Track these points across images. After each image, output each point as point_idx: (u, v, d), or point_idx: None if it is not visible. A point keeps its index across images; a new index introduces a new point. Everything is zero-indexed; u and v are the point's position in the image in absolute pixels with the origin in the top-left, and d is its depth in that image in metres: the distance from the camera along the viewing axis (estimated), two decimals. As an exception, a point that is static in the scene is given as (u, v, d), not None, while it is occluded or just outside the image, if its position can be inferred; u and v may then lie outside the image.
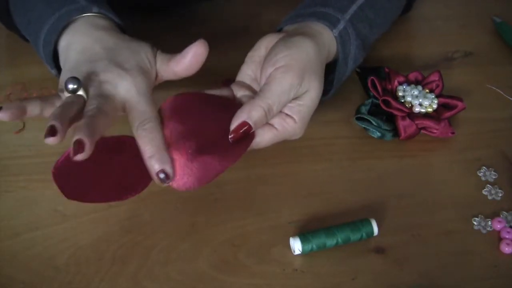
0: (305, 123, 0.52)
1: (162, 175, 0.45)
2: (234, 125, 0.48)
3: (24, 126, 0.61)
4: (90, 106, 0.44)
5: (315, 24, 0.54)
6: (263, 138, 0.50)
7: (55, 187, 0.47)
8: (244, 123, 0.48)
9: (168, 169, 0.45)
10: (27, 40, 0.63)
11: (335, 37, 0.55)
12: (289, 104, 0.51)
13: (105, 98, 0.46)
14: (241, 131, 0.48)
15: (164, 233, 0.52)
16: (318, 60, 0.52)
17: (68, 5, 0.53)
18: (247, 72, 0.54)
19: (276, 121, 0.51)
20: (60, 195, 0.46)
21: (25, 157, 0.58)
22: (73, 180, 0.47)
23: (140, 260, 0.50)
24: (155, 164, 0.45)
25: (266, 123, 0.50)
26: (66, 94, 0.46)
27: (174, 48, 0.71)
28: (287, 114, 0.51)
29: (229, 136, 0.48)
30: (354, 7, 0.57)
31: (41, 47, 0.54)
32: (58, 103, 0.46)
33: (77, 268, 0.49)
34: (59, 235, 0.52)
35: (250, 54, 0.55)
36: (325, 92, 0.59)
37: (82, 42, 0.51)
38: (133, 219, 0.53)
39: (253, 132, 0.50)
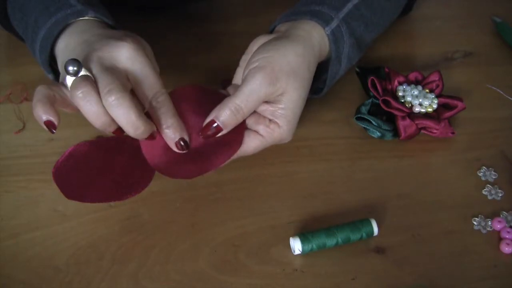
0: (291, 127, 0.52)
1: (182, 143, 0.48)
2: (204, 123, 0.49)
3: (24, 126, 0.61)
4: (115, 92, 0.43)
5: (307, 22, 0.54)
6: (249, 145, 0.51)
7: (55, 187, 0.47)
8: (212, 122, 0.49)
9: (186, 137, 0.48)
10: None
11: (327, 35, 0.55)
12: (270, 109, 0.51)
13: (111, 71, 0.45)
14: (210, 131, 0.49)
15: (164, 233, 0.52)
16: (302, 63, 0.51)
17: (64, 9, 0.53)
18: (242, 76, 0.55)
19: (261, 128, 0.51)
20: (60, 195, 0.46)
21: (25, 157, 0.58)
22: (73, 180, 0.47)
23: (140, 260, 0.50)
24: (174, 133, 0.47)
25: (253, 130, 0.51)
26: (69, 79, 0.45)
27: (174, 48, 0.71)
28: (270, 120, 0.51)
29: (200, 134, 0.49)
30: (349, 6, 0.57)
31: (38, 53, 0.54)
32: (66, 92, 0.46)
33: (77, 268, 0.49)
34: (59, 235, 0.52)
35: (243, 57, 0.55)
36: (319, 90, 0.59)
37: (78, 40, 0.50)
38: (133, 219, 0.53)
39: (240, 138, 0.50)
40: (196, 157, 0.49)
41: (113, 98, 0.43)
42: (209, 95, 0.53)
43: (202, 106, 0.51)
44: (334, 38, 0.55)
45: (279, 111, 0.51)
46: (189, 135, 0.49)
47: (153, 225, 0.53)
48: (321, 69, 0.57)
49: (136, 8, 0.75)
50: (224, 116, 0.48)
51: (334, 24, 0.55)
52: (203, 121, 0.50)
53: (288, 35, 0.53)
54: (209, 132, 0.49)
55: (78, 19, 0.52)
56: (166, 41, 0.72)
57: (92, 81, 0.44)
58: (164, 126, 0.47)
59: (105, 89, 0.43)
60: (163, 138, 0.48)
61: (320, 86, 0.59)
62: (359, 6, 0.58)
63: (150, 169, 0.49)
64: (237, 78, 0.55)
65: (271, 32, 0.58)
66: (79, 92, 0.43)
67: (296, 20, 0.55)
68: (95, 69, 0.45)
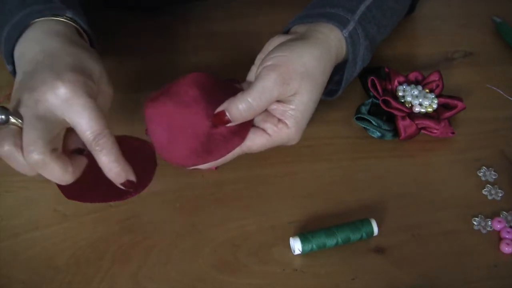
0: (300, 129, 0.52)
1: (128, 184, 0.46)
2: (216, 111, 0.49)
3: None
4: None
5: (324, 25, 0.54)
6: (254, 142, 0.51)
7: (55, 187, 0.47)
8: (223, 112, 0.49)
9: (131, 177, 0.46)
10: None
11: (345, 37, 0.54)
12: (281, 108, 0.51)
13: (41, 121, 0.43)
14: (218, 120, 0.49)
15: (164, 233, 0.52)
16: (318, 66, 0.51)
17: (43, 3, 0.51)
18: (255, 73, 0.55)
19: (268, 126, 0.51)
20: (60, 195, 0.46)
21: (25, 157, 0.58)
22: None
23: (140, 260, 0.50)
24: (117, 178, 0.45)
25: (260, 128, 0.51)
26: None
27: (174, 48, 0.71)
28: (279, 120, 0.51)
29: (210, 120, 0.50)
30: (362, 8, 0.57)
31: (3, 41, 0.51)
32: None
33: (77, 268, 0.49)
34: (59, 235, 0.52)
35: (259, 56, 0.56)
36: (333, 92, 0.59)
37: (31, 52, 0.48)
38: (133, 219, 0.53)
39: (243, 132, 0.50)
40: (198, 145, 0.49)
41: (34, 158, 0.42)
42: (222, 85, 0.53)
43: (213, 95, 0.51)
44: (351, 40, 0.55)
45: (290, 112, 0.51)
46: (196, 122, 0.49)
47: (153, 225, 0.53)
48: (333, 71, 0.57)
49: (135, 8, 0.75)
50: (234, 110, 0.48)
51: (350, 26, 0.55)
52: (212, 109, 0.50)
53: (305, 37, 0.53)
54: (218, 121, 0.49)
55: (39, 19, 0.50)
56: (165, 41, 0.72)
57: (15, 137, 0.43)
58: (106, 170, 0.45)
59: (27, 148, 0.42)
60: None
61: (333, 88, 0.58)
62: (371, 8, 0.58)
63: (150, 169, 0.49)
64: (251, 76, 0.55)
65: (285, 33, 0.58)
66: (2, 150, 0.43)
67: (312, 23, 0.55)
68: (26, 118, 0.43)
